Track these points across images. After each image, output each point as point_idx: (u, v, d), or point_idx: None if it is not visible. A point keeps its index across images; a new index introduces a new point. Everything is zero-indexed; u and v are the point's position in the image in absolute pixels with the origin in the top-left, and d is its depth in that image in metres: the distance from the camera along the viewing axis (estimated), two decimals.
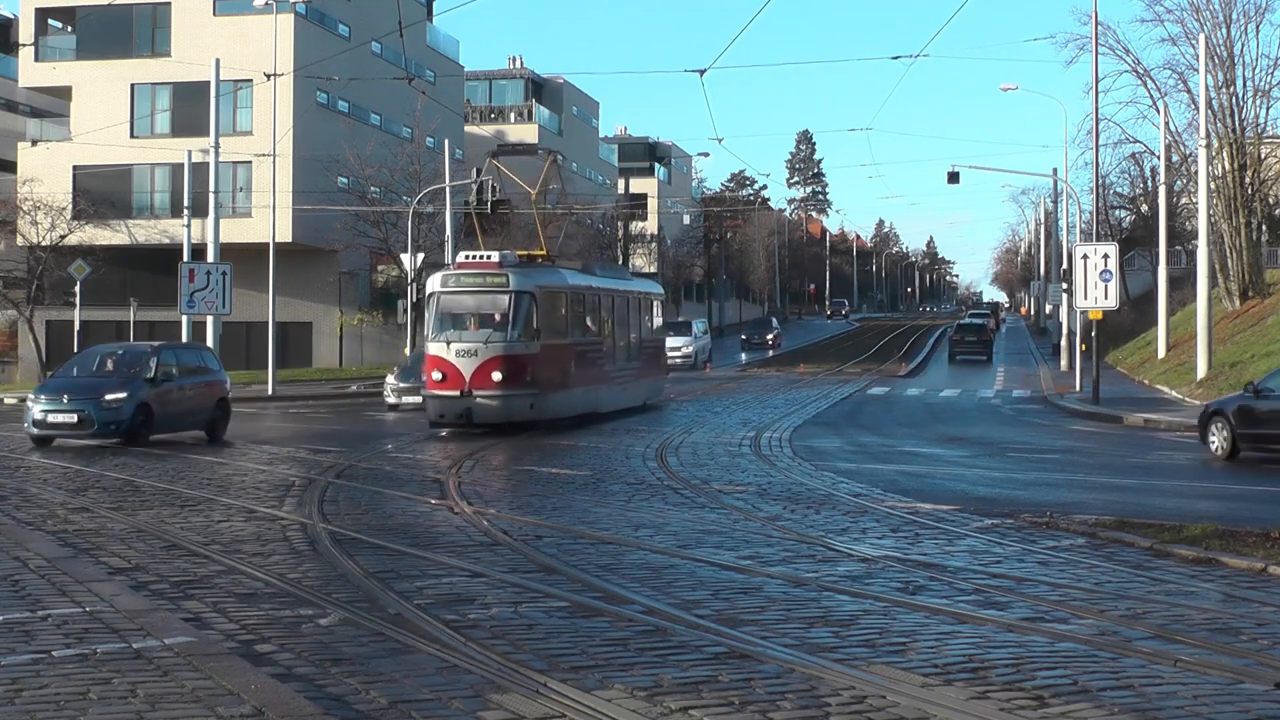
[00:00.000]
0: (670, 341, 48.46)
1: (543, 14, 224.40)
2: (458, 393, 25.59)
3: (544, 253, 30.57)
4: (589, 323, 30.04)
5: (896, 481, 18.10)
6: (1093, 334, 37.32)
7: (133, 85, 53.94)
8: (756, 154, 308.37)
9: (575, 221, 72.44)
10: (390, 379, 36.42)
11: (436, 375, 25.88)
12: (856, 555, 11.79)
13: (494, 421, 25.83)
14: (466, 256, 27.74)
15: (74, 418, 22.76)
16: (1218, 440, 21.81)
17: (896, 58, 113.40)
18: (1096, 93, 42.99)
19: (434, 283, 27.22)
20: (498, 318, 26.37)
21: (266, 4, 43.26)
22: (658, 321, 36.81)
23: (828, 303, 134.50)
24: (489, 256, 27.28)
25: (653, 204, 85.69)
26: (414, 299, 44.35)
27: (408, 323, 47.12)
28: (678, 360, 52.73)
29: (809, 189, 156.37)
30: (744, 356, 66.33)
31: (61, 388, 23.61)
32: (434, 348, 26.20)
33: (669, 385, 39.85)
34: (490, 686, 7.25)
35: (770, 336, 74.98)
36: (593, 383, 29.59)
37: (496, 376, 25.52)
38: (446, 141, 51.70)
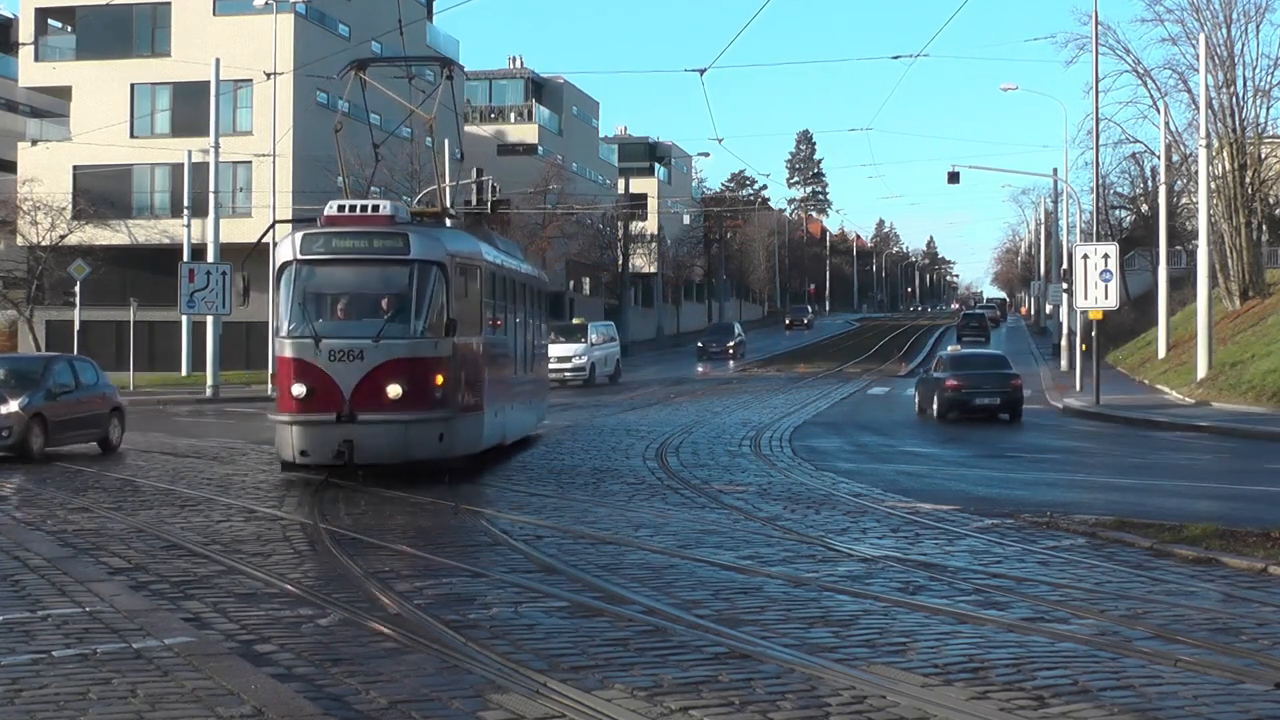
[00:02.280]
0: (556, 350, 40.31)
1: (543, 14, 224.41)
2: (332, 416, 16.70)
3: (442, 208, 21.85)
4: (496, 316, 20.52)
5: (897, 481, 18.10)
6: (1093, 334, 37.29)
7: (133, 85, 53.94)
8: (756, 154, 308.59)
9: (576, 221, 72.57)
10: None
11: (298, 390, 16.81)
12: (856, 555, 11.79)
13: (387, 460, 17.14)
14: (340, 208, 17.83)
15: None
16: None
17: (896, 58, 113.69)
18: (1096, 93, 43.00)
19: (290, 248, 17.59)
20: (390, 302, 17.56)
21: (266, 4, 43.28)
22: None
23: (786, 310, 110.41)
24: (376, 208, 17.87)
25: (653, 204, 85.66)
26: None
27: None
28: (567, 374, 43.79)
29: (809, 189, 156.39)
30: (700, 368, 57.35)
31: None
32: (292, 347, 17.08)
33: (672, 388, 39.66)
34: (490, 686, 7.24)
35: (731, 345, 65.82)
36: (502, 400, 20.66)
37: (395, 391, 16.74)
38: (446, 141, 51.72)
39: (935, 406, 31.13)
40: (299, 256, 17.39)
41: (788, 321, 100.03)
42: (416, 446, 17.13)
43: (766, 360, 62.62)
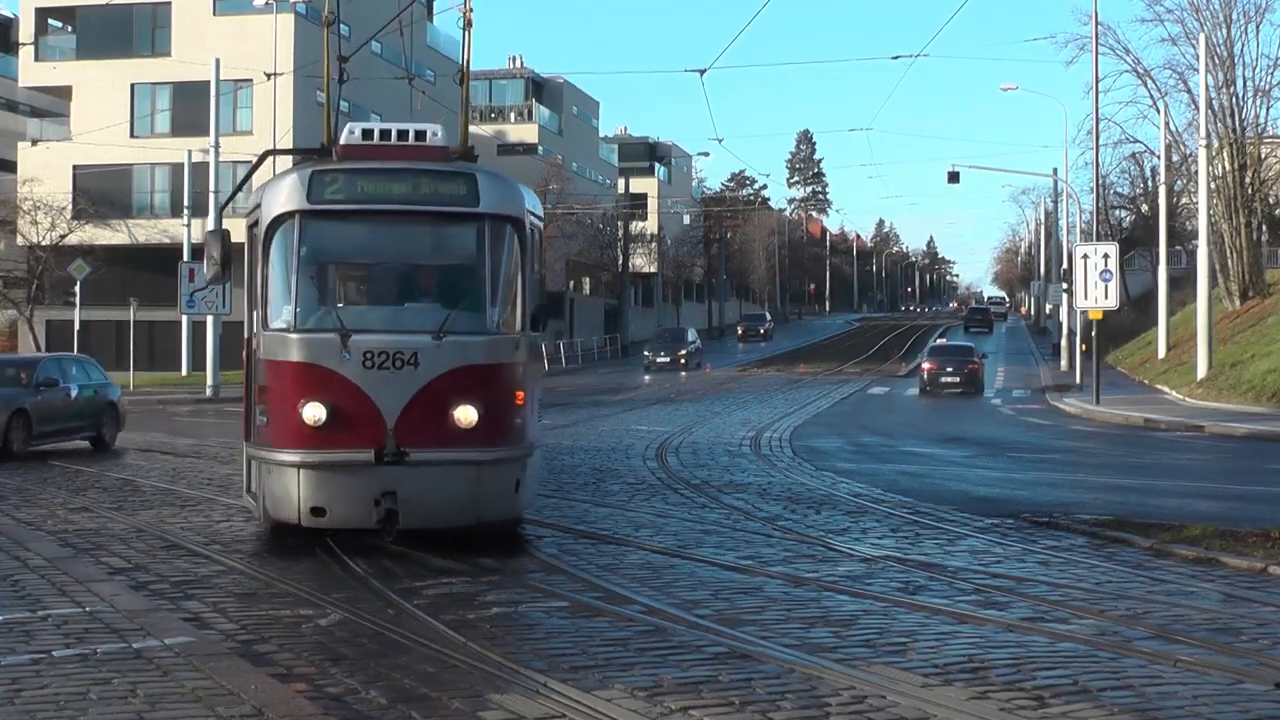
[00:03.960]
0: None
1: (543, 14, 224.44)
2: (368, 454, 10.99)
3: (465, 147, 13.10)
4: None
5: (897, 481, 18.09)
6: (1093, 334, 37.31)
7: (133, 85, 53.96)
8: (756, 154, 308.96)
9: (576, 221, 72.56)
10: None
11: (312, 414, 10.98)
12: (857, 555, 11.79)
13: (446, 523, 11.47)
14: (367, 134, 12.12)
15: None
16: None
17: (896, 58, 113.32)
18: (1096, 93, 43.08)
19: (289, 193, 11.59)
20: (451, 279, 12.26)
21: (266, 4, 43.29)
22: None
23: (739, 320, 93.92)
24: (422, 135, 12.02)
25: (653, 204, 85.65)
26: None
27: None
28: None
29: (809, 189, 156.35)
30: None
31: None
32: (301, 348, 11.28)
33: (663, 383, 39.57)
34: (490, 686, 7.25)
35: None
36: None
37: (466, 415, 11.18)
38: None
39: (920, 381, 43.37)
40: (306, 205, 11.26)
41: (740, 332, 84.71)
42: (489, 501, 11.26)
43: (766, 360, 62.62)
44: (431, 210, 11.72)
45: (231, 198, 14.08)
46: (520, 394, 11.71)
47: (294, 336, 11.22)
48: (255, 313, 11.88)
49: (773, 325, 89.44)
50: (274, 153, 14.87)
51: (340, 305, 11.99)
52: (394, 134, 11.97)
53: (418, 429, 11.00)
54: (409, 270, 12.29)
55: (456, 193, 11.68)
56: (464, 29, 13.76)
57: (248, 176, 13.69)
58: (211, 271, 12.45)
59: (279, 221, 11.47)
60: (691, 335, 62.31)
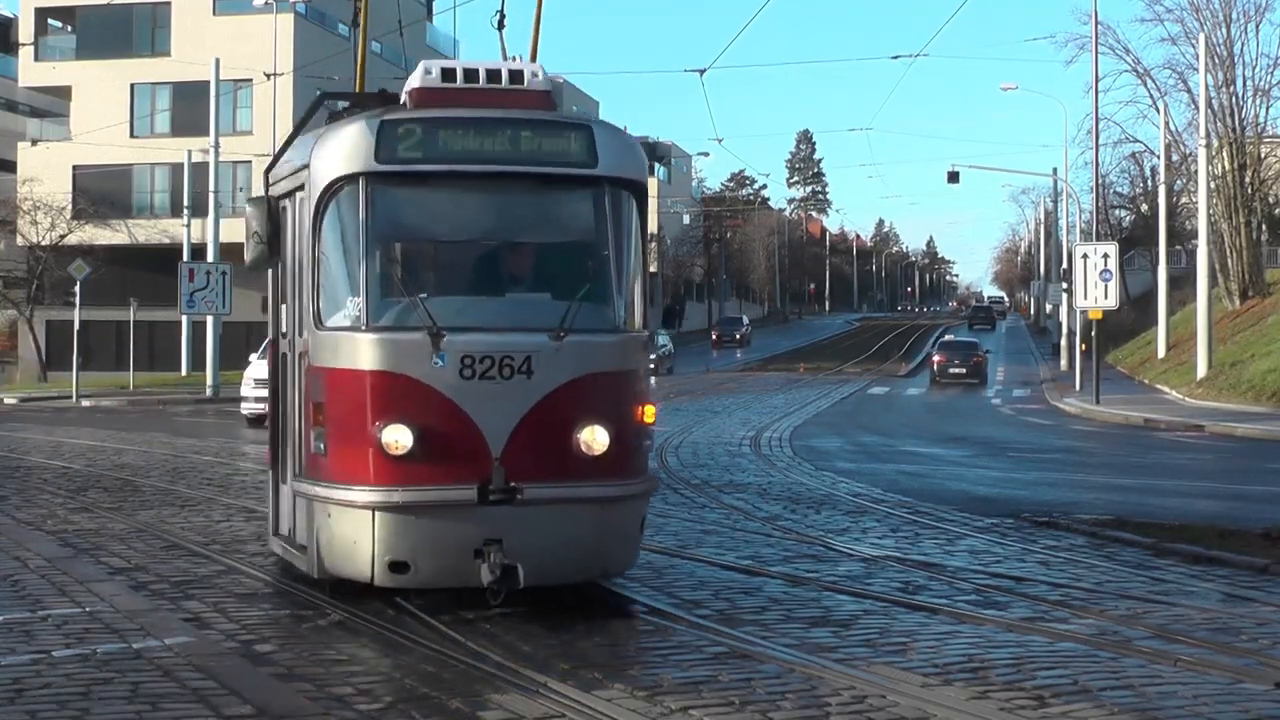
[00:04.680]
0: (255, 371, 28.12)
1: (543, 14, 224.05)
2: (469, 491, 8.53)
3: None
4: None
5: (897, 481, 18.09)
6: (1093, 334, 37.33)
7: (133, 85, 53.99)
8: (756, 154, 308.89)
9: None
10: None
11: (392, 437, 8.45)
12: (856, 555, 11.79)
13: (572, 578, 9.10)
14: (447, 74, 9.35)
15: None
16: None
17: (896, 58, 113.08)
18: (1096, 92, 43.12)
19: (351, 150, 8.94)
20: (567, 261, 9.62)
21: (266, 4, 43.31)
22: None
23: (713, 323, 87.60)
24: (518, 75, 9.43)
25: (653, 204, 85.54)
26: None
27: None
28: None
29: (809, 189, 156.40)
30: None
31: None
32: (374, 350, 8.69)
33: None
34: (490, 686, 7.24)
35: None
36: None
37: (596, 439, 8.77)
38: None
39: (931, 373, 48.64)
40: (376, 166, 8.83)
41: (714, 337, 78.59)
42: (615, 548, 9.08)
43: (765, 360, 62.63)
44: (538, 172, 9.17)
45: (276, 160, 9.90)
46: (651, 409, 9.75)
47: (367, 337, 8.61)
48: (294, 307, 9.49)
49: (750, 329, 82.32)
50: (331, 96, 10.99)
51: (423, 296, 8.78)
52: (482, 74, 9.32)
53: (531, 457, 8.56)
54: (510, 250, 9.42)
55: (569, 150, 9.20)
56: (498, 29, 11.65)
57: (300, 127, 10.09)
58: (255, 251, 9.56)
59: (337, 187, 8.87)
60: (662, 339, 54.14)
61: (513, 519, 8.52)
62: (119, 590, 9.76)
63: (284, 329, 9.92)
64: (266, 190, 9.73)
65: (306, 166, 9.15)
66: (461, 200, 9.46)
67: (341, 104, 10.25)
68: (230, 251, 41.19)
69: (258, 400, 26.50)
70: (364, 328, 8.67)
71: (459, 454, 8.52)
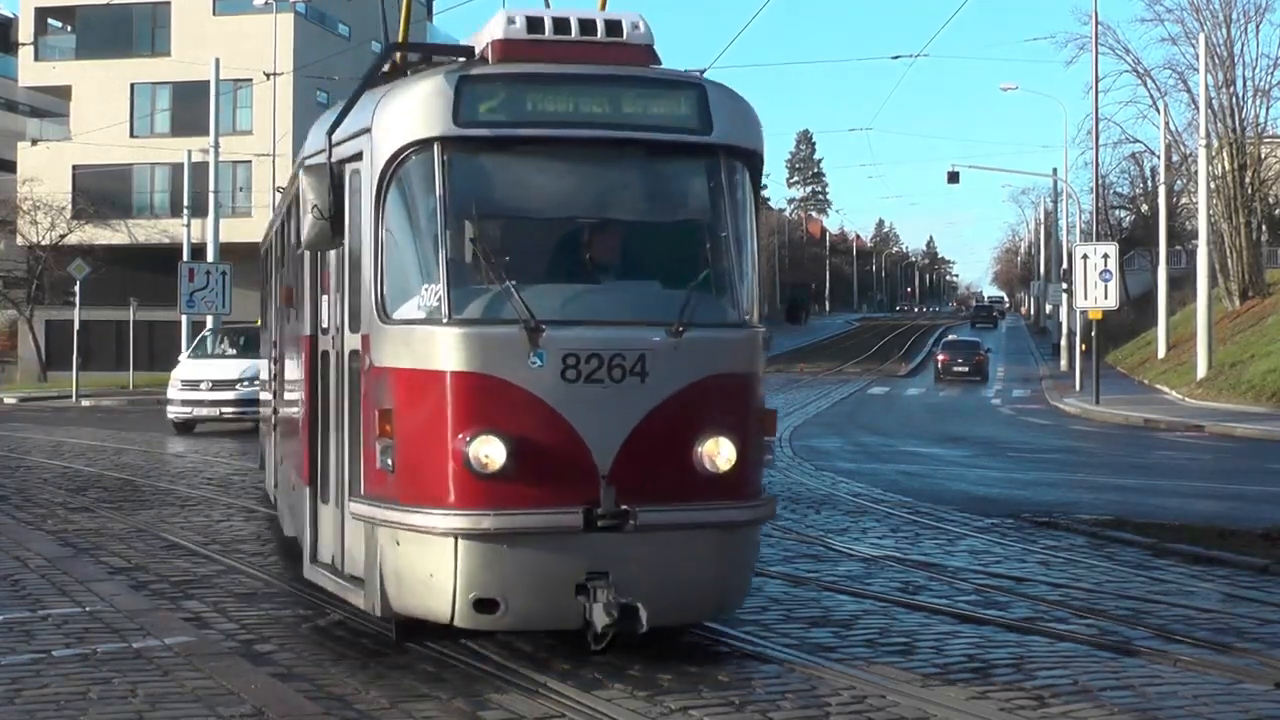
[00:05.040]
0: (199, 371, 26.52)
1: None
2: (574, 515, 7.19)
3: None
4: None
5: (897, 481, 18.09)
6: (1093, 334, 37.34)
7: (132, 85, 53.99)
8: None
9: None
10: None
11: (482, 451, 7.12)
12: (856, 555, 11.79)
13: (694, 618, 8.07)
14: (533, 25, 7.81)
15: None
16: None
17: (896, 58, 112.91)
18: (1096, 92, 43.17)
19: (421, 109, 7.54)
20: (668, 246, 8.27)
21: (266, 4, 43.31)
22: None
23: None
24: (615, 26, 7.92)
25: None
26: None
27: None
28: (225, 411, 25.83)
29: (809, 189, 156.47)
30: None
31: None
32: (458, 348, 7.28)
33: None
34: (490, 686, 7.24)
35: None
36: None
37: (721, 452, 7.46)
38: None
39: (935, 370, 51.74)
40: (454, 130, 7.54)
41: None
42: (736, 581, 7.90)
43: (765, 360, 62.56)
44: (645, 139, 7.84)
45: (340, 119, 7.99)
46: (773, 417, 8.34)
47: (449, 332, 7.26)
48: (341, 297, 8.23)
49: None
50: (400, 48, 8.84)
51: (513, 284, 7.37)
52: (575, 24, 7.87)
53: (645, 475, 7.28)
54: (612, 229, 8.00)
55: (679, 113, 7.87)
56: None
57: (367, 81, 8.31)
58: (315, 229, 7.70)
59: (408, 153, 7.54)
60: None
61: (623, 549, 7.22)
62: (119, 590, 9.76)
63: (324, 324, 8.65)
64: (330, 154, 7.92)
65: (367, 130, 7.73)
66: (555, 171, 7.98)
67: (413, 56, 8.78)
68: (230, 251, 41.25)
69: (185, 404, 25.70)
70: (445, 320, 7.28)
71: (560, 471, 7.20)
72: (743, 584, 7.98)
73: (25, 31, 56.50)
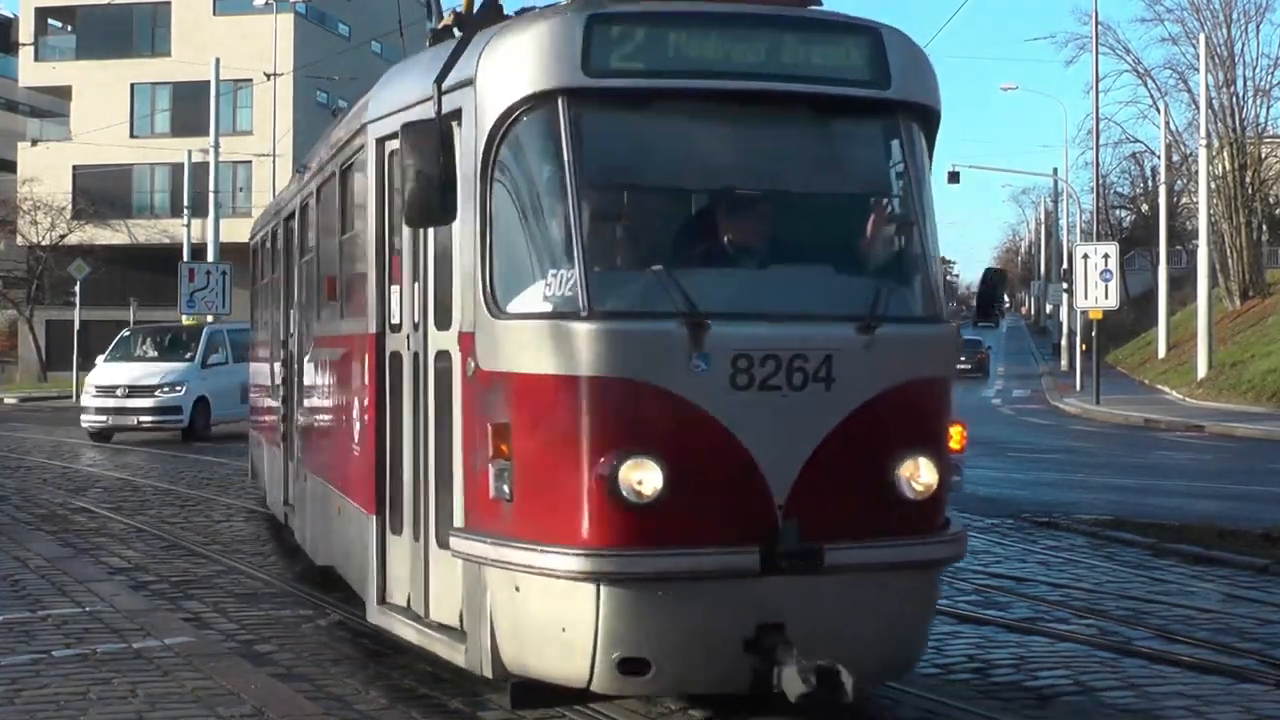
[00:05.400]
0: (113, 375, 24.92)
1: None
2: (749, 556, 5.83)
3: None
4: None
5: None
6: (1093, 334, 37.35)
7: (133, 85, 54.03)
8: None
9: None
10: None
11: (638, 476, 5.72)
12: None
13: (876, 681, 6.55)
14: None
15: None
16: None
17: None
18: (1097, 92, 43.31)
19: (538, 54, 6.09)
20: (846, 223, 6.77)
21: (266, 4, 43.33)
22: None
23: None
24: None
25: None
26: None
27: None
28: (143, 420, 24.37)
29: None
30: None
31: None
32: (606, 347, 5.82)
33: None
34: (490, 686, 7.23)
35: None
36: None
37: (922, 475, 6.15)
38: None
39: None
40: (583, 80, 6.14)
41: None
42: (925, 629, 6.64)
43: None
44: (814, 94, 6.43)
45: (447, 69, 6.43)
46: (961, 431, 7.44)
47: (589, 328, 5.84)
48: (423, 289, 6.90)
49: None
50: None
51: (657, 268, 6.04)
52: None
53: (832, 504, 6.01)
54: (777, 203, 6.62)
55: (851, 63, 6.50)
56: None
57: (468, 19, 7.31)
58: (423, 198, 6.02)
59: (523, 110, 6.16)
60: None
61: (805, 596, 5.93)
62: (119, 590, 9.76)
63: (393, 319, 7.29)
64: (439, 105, 6.26)
65: (470, 82, 6.29)
66: (705, 133, 6.56)
67: None
68: (230, 252, 41.23)
69: (100, 412, 23.93)
70: (583, 313, 5.85)
71: (729, 500, 5.89)
72: (928, 633, 6.68)
73: (25, 31, 56.55)
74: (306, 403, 10.21)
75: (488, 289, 6.16)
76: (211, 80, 39.66)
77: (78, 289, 42.61)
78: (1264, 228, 55.16)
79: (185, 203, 44.07)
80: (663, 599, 5.83)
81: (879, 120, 6.64)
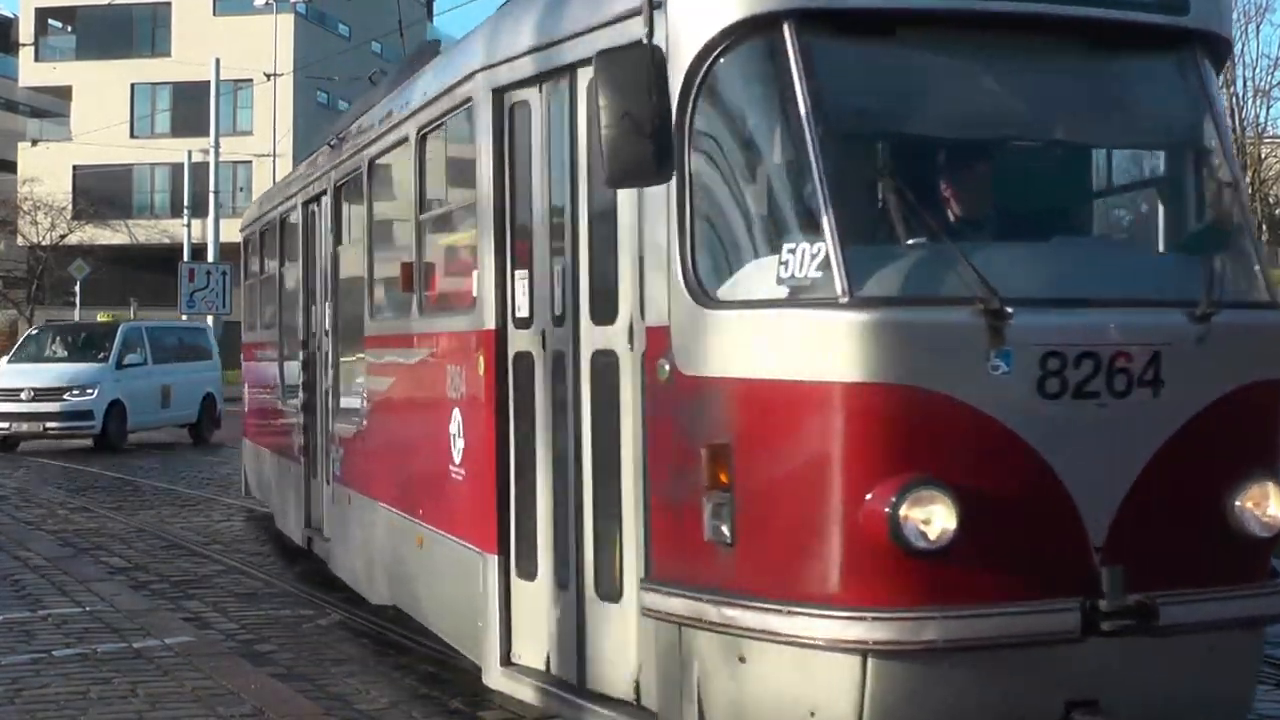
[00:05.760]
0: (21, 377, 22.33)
1: None
2: (1069, 614, 4.46)
3: None
4: None
5: None
6: None
7: (133, 85, 54.06)
8: None
9: None
10: None
11: (923, 515, 4.34)
12: None
13: None
14: None
15: None
16: None
17: None
18: None
19: None
20: (1150, 189, 5.55)
21: (266, 4, 43.33)
22: None
23: None
24: None
25: None
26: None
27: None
28: (50, 427, 21.93)
29: None
30: None
31: None
32: (870, 345, 4.38)
33: None
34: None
35: None
36: None
37: (1269, 508, 4.75)
38: None
39: None
40: (817, 2, 4.77)
41: None
42: (1247, 700, 5.17)
43: None
44: (1101, 18, 5.04)
45: None
46: None
47: (850, 318, 4.49)
48: (573, 272, 5.66)
49: None
50: None
51: (938, 241, 4.71)
52: None
53: (1161, 544, 4.71)
54: (1075, 160, 5.54)
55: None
56: None
57: None
58: (633, 149, 4.69)
59: (735, 41, 4.85)
60: None
61: (1129, 663, 4.64)
62: (119, 590, 9.76)
63: (519, 312, 6.00)
64: (650, 28, 4.89)
65: (659, 5, 4.92)
66: (971, 71, 5.12)
67: None
68: (230, 252, 41.23)
69: (3, 417, 21.59)
70: (841, 299, 4.48)
71: (1036, 543, 4.57)
72: (1252, 702, 5.33)
73: (25, 32, 56.58)
74: (354, 413, 8.80)
75: (689, 270, 4.80)
76: (211, 80, 39.67)
77: (78, 289, 42.60)
78: (1264, 228, 55.22)
79: (185, 203, 44.10)
80: (951, 673, 4.49)
81: (1174, 54, 5.22)
